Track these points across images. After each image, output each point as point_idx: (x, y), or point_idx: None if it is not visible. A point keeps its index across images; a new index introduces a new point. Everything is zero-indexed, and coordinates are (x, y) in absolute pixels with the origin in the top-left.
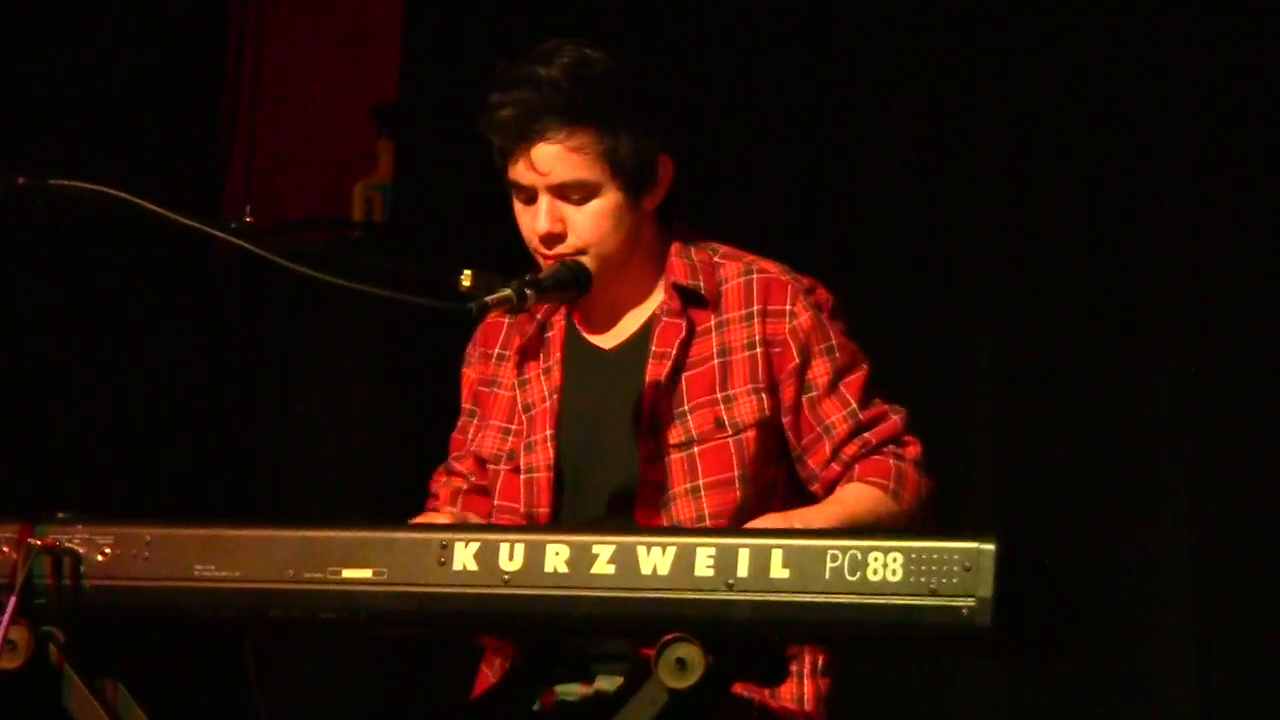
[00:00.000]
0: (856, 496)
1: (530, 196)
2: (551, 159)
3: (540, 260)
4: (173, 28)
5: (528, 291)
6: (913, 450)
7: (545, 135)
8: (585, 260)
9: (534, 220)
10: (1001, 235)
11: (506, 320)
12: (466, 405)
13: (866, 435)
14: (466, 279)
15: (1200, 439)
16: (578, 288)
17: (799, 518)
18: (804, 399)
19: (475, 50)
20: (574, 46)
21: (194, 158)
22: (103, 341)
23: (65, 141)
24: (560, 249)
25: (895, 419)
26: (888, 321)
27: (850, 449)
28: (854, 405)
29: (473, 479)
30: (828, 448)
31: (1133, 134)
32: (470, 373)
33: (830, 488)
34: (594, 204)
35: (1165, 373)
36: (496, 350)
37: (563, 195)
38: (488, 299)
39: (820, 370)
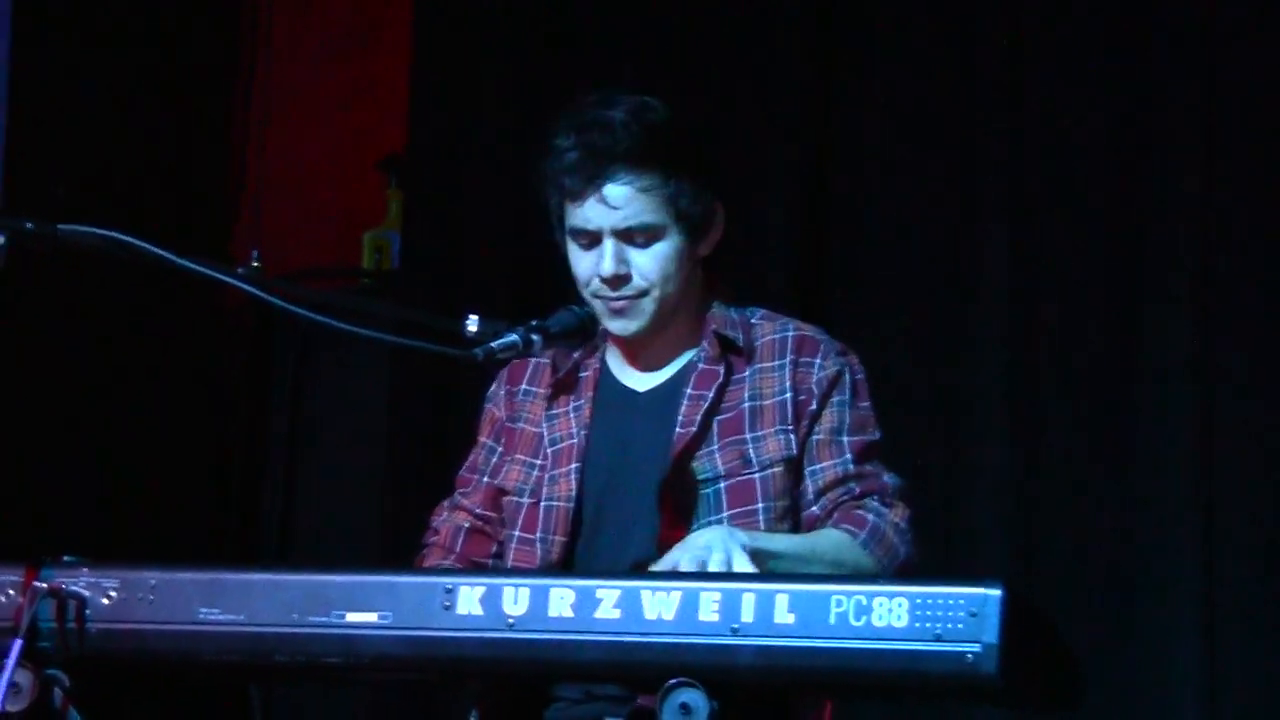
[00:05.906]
0: (827, 538)
1: (592, 240)
2: (621, 200)
3: (596, 305)
4: (182, 75)
5: (534, 338)
6: (899, 513)
7: (616, 176)
8: (646, 302)
9: (596, 264)
10: (1011, 275)
11: (533, 359)
12: (486, 440)
13: (852, 485)
14: (473, 325)
15: (1210, 488)
16: (583, 335)
17: (750, 535)
18: (808, 440)
19: (482, 101)
20: (629, 93)
21: (203, 204)
22: (111, 386)
23: (74, 187)
24: (625, 291)
25: (886, 481)
26: (896, 358)
27: (833, 494)
28: (848, 457)
29: (478, 513)
30: (811, 491)
31: (1147, 179)
32: (495, 410)
33: (809, 529)
34: (658, 246)
35: (1175, 419)
36: (523, 387)
37: (628, 238)
38: (494, 345)
39: (829, 419)
